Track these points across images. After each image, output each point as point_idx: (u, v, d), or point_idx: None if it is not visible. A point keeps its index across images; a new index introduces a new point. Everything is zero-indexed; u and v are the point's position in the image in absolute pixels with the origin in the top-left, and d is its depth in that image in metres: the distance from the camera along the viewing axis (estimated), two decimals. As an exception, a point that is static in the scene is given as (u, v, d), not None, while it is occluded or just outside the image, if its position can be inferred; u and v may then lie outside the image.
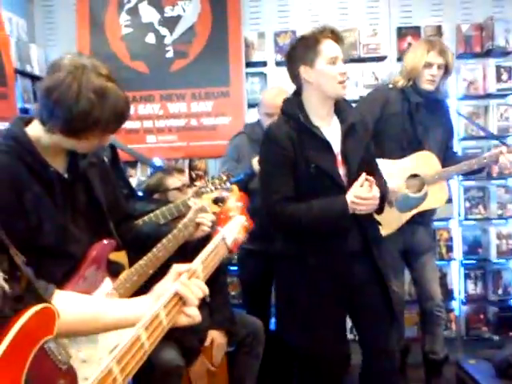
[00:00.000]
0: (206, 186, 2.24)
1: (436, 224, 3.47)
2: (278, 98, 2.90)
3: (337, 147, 2.10)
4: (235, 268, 3.37)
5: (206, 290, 1.12)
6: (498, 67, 3.65)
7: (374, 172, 2.15)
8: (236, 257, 3.17)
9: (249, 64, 3.82)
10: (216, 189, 2.21)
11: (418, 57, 2.71)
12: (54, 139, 1.46)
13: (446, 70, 2.73)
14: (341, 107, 2.16)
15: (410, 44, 3.61)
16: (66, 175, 1.55)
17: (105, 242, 1.62)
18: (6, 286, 0.81)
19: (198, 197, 2.14)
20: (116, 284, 1.64)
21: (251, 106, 3.77)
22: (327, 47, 2.02)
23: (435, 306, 2.87)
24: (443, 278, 3.59)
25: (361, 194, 1.97)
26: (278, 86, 3.48)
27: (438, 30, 3.70)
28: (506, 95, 3.70)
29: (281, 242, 2.21)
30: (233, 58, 3.75)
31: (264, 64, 3.84)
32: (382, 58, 3.75)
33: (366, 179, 1.98)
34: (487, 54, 3.68)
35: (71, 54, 1.47)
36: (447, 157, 2.84)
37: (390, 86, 2.84)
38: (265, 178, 2.13)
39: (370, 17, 3.83)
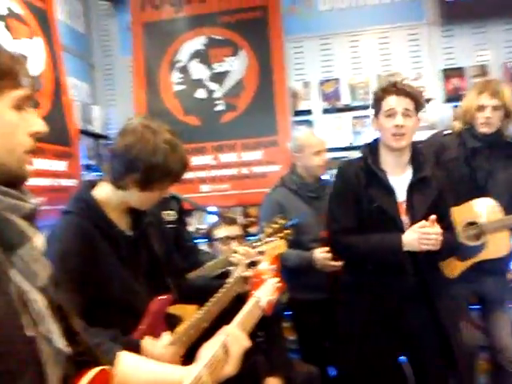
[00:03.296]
0: (262, 232, 2.37)
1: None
2: (317, 136, 2.99)
3: (402, 196, 2.16)
4: (291, 313, 3.37)
5: (247, 344, 1.21)
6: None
7: (444, 226, 2.12)
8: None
9: (296, 113, 3.96)
10: (274, 234, 2.34)
11: (470, 100, 2.59)
12: (123, 197, 1.59)
13: (507, 111, 2.54)
14: (416, 159, 2.21)
15: (457, 88, 3.62)
16: (130, 234, 1.66)
17: (163, 297, 1.68)
18: (67, 350, 0.89)
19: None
20: (174, 338, 1.69)
21: (299, 153, 3.87)
22: (386, 102, 2.14)
23: (506, 361, 2.67)
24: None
25: (427, 230, 2.01)
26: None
27: (484, 70, 3.73)
28: None
29: (346, 275, 2.37)
30: (279, 108, 3.90)
31: (310, 112, 3.97)
32: (427, 101, 3.79)
33: (428, 219, 2.03)
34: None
35: (136, 118, 1.62)
36: None
37: (447, 131, 2.75)
38: (329, 209, 2.30)
39: (412, 60, 3.92)
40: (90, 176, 3.62)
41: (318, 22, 4.03)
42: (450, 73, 3.79)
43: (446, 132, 2.76)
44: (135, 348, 1.51)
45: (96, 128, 3.90)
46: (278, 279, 1.57)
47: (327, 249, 2.67)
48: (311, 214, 2.84)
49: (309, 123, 3.96)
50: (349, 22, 3.98)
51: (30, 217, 0.87)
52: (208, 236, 2.77)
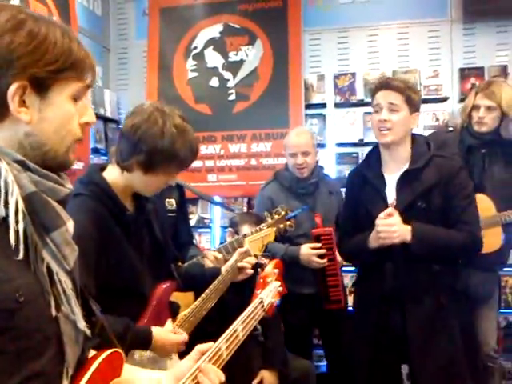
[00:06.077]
0: (265, 220, 2.39)
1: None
2: (297, 137, 2.85)
3: (393, 194, 2.10)
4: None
5: (223, 378, 1.08)
6: None
7: (452, 223, 2.03)
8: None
9: (308, 106, 3.91)
10: (275, 224, 2.36)
11: (468, 99, 2.73)
12: (128, 180, 1.55)
13: (503, 112, 2.60)
14: (415, 152, 2.11)
15: (473, 85, 3.56)
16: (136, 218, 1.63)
17: (167, 284, 1.69)
18: (88, 332, 0.92)
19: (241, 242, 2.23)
20: (175, 325, 1.71)
21: (310, 146, 3.82)
22: (375, 97, 2.12)
23: (484, 355, 2.70)
24: (509, 327, 3.39)
25: (378, 222, 2.00)
26: (301, 127, 3.51)
27: (504, 71, 3.63)
28: None
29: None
30: (293, 100, 3.85)
31: (323, 106, 3.92)
32: (443, 99, 3.71)
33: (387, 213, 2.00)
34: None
35: (149, 102, 1.60)
36: None
37: (451, 128, 2.87)
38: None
39: (431, 58, 3.83)
40: (98, 159, 3.63)
41: (337, 15, 3.96)
42: (468, 72, 3.70)
43: (450, 129, 2.87)
44: (147, 336, 1.54)
45: (107, 112, 3.90)
46: (280, 283, 1.59)
47: (315, 245, 2.70)
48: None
49: (321, 116, 3.91)
50: (369, 15, 3.89)
51: (64, 201, 0.89)
52: (232, 225, 2.70)
